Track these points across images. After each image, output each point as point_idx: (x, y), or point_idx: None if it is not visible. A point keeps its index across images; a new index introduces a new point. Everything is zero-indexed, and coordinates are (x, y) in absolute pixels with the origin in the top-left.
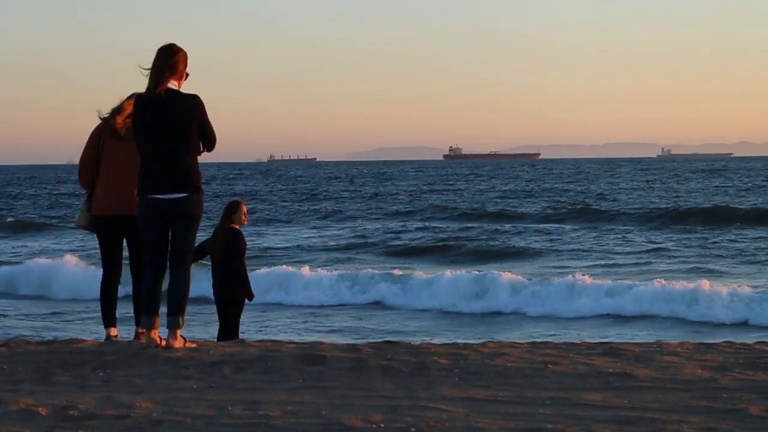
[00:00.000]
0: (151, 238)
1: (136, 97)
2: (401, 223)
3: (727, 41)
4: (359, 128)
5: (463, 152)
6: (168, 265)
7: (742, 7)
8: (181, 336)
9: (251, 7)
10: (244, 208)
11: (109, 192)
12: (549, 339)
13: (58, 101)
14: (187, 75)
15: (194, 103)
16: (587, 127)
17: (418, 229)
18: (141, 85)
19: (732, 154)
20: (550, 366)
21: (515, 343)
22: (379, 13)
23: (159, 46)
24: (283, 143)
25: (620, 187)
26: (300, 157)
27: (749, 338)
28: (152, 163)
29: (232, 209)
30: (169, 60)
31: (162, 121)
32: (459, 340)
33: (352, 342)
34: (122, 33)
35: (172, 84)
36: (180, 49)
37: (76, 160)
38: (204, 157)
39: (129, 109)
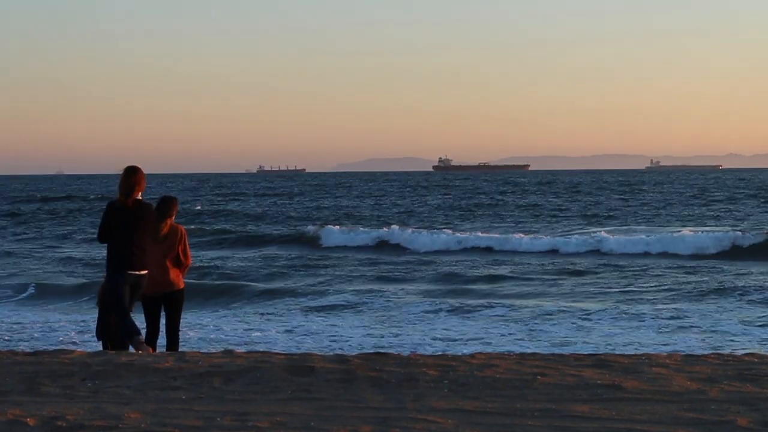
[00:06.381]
0: (124, 295)
1: (114, 203)
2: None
3: (718, 52)
4: (349, 139)
5: (453, 163)
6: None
7: (734, 18)
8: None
9: (239, 18)
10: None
11: (154, 278)
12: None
13: (47, 109)
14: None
15: (151, 210)
16: (576, 139)
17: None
18: (136, 97)
19: (721, 166)
20: (539, 377)
21: (504, 354)
22: (368, 24)
23: (126, 167)
24: (273, 154)
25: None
26: (289, 168)
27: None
28: (128, 250)
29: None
30: (135, 178)
31: (134, 222)
32: (448, 352)
33: (341, 353)
34: (114, 38)
35: (138, 195)
36: (141, 170)
37: (66, 171)
38: (195, 167)
39: (170, 221)
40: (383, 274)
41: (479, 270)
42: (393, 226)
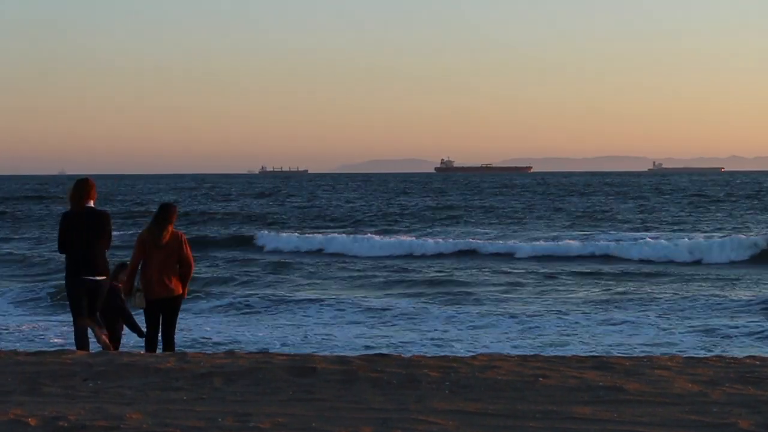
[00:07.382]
0: (81, 300)
1: (68, 213)
2: None
3: (720, 55)
4: (352, 140)
5: (455, 165)
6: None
7: (736, 20)
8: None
9: (243, 18)
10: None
11: (156, 283)
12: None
13: (48, 109)
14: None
15: (108, 218)
16: (579, 140)
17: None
18: (139, 97)
19: (723, 168)
20: (540, 379)
21: (506, 356)
22: (371, 25)
23: (76, 180)
24: (276, 155)
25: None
26: (292, 169)
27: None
28: (83, 256)
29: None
30: (86, 188)
31: (88, 229)
32: (449, 353)
33: (343, 354)
34: (116, 39)
35: (90, 203)
36: (90, 180)
37: (68, 171)
38: (198, 167)
39: (170, 227)
40: (357, 276)
41: (456, 273)
42: (342, 234)
